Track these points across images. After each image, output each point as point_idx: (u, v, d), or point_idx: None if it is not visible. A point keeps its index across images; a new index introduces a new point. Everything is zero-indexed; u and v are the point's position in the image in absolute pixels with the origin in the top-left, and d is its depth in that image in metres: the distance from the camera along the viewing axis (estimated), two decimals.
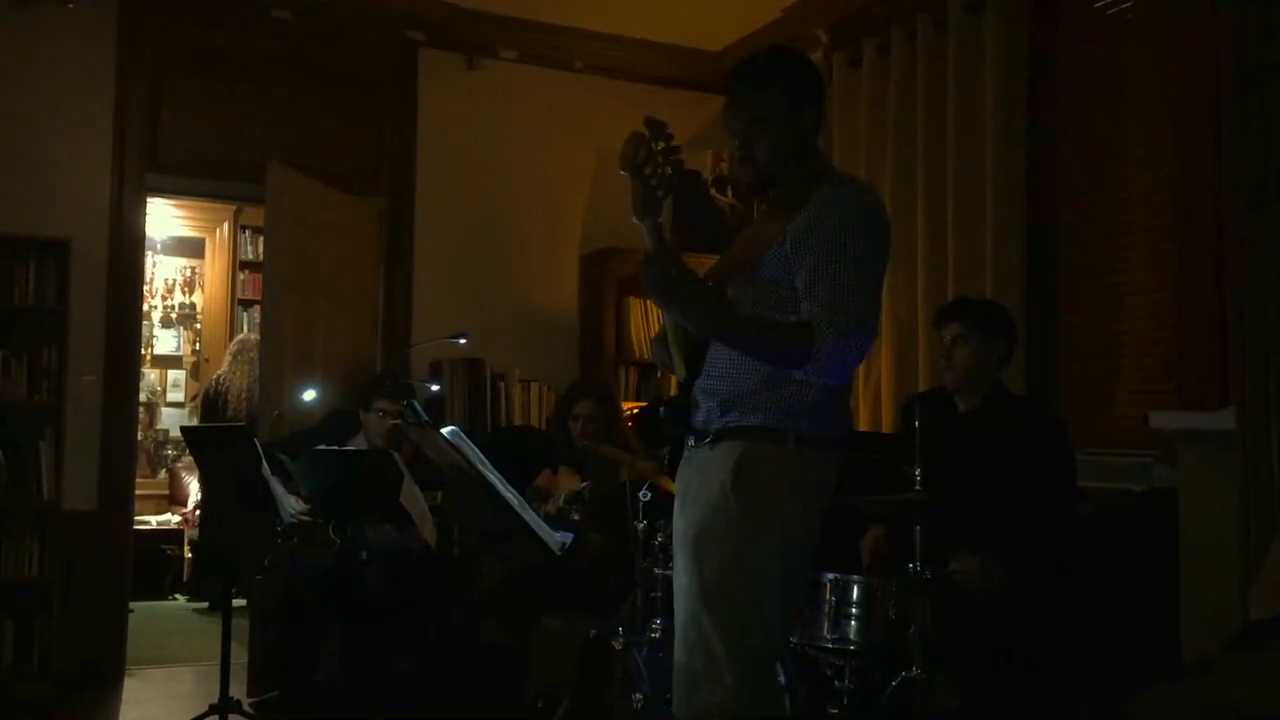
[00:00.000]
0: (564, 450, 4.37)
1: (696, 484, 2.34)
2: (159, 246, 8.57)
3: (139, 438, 6.08)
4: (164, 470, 8.39)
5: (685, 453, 2.42)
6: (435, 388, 5.32)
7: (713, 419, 2.33)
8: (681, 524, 2.37)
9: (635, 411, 4.83)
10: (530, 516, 3.19)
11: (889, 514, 3.33)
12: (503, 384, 5.56)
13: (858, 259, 2.22)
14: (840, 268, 2.20)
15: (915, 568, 2.87)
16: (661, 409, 2.54)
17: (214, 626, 4.41)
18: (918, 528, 2.88)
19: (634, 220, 2.31)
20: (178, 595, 7.26)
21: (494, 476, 3.12)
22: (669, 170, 2.26)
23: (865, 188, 2.40)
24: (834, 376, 2.25)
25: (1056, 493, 3.15)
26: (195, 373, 8.75)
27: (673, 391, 2.48)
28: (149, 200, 5.28)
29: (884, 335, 4.73)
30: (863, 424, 4.79)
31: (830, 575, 3.02)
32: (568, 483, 4.25)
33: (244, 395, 6.67)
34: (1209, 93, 3.49)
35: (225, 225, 8.43)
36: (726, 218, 5.58)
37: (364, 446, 4.48)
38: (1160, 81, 3.84)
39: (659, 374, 5.61)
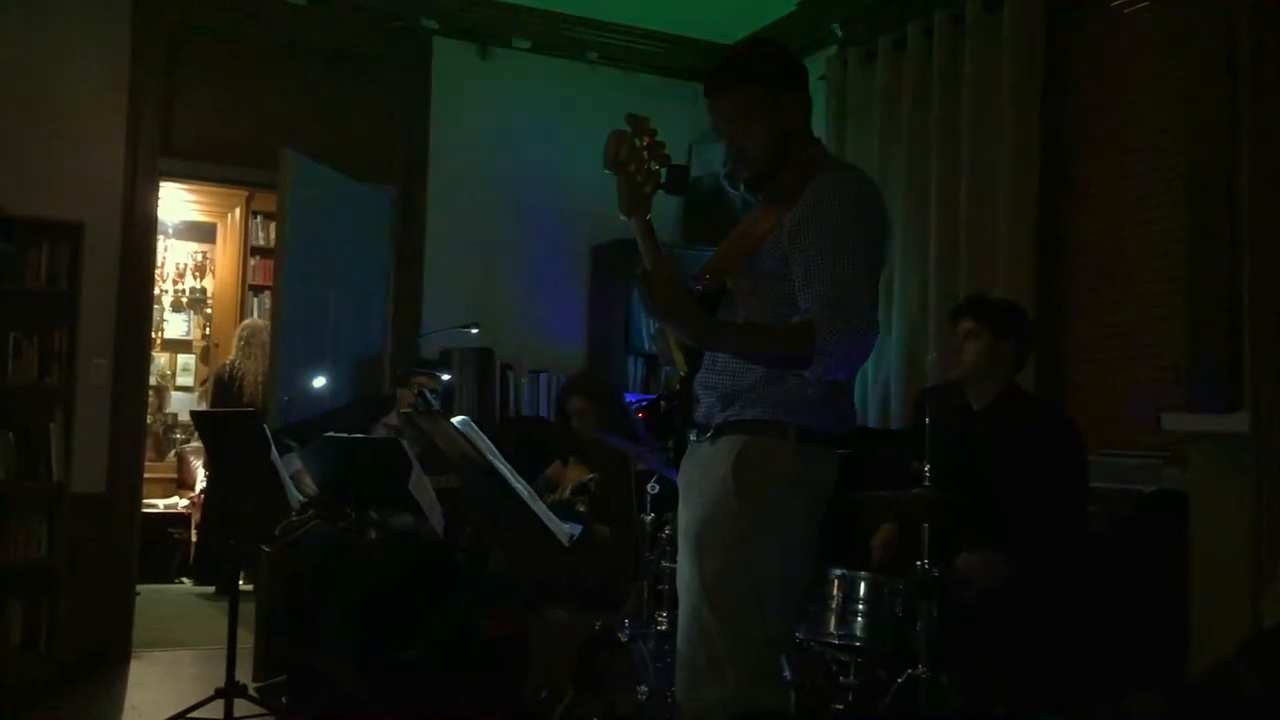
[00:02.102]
0: (574, 442, 4.36)
1: (698, 479, 2.32)
2: (171, 231, 8.59)
3: (148, 421, 6.09)
4: (172, 454, 8.41)
5: (688, 447, 2.40)
6: (446, 377, 5.33)
7: (714, 414, 2.31)
8: (684, 518, 2.36)
9: (646, 404, 4.81)
10: (539, 508, 3.19)
11: (899, 510, 3.33)
12: (512, 374, 5.56)
13: (856, 251, 2.18)
14: (838, 260, 2.16)
15: (923, 565, 2.86)
16: (663, 403, 2.53)
17: (220, 611, 4.43)
18: (925, 525, 2.87)
19: (622, 218, 2.29)
20: (184, 579, 7.28)
21: (504, 467, 3.12)
22: (654, 165, 2.23)
23: (862, 176, 2.35)
24: (841, 374, 2.21)
25: (1066, 491, 3.14)
26: (205, 357, 8.78)
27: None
28: (161, 184, 5.29)
29: (894, 332, 4.71)
30: (871, 420, 4.78)
31: (838, 571, 3.02)
32: (577, 475, 4.24)
33: (260, 380, 6.68)
34: (1224, 91, 3.46)
35: (237, 210, 8.45)
36: (738, 210, 5.56)
37: (394, 424, 4.50)
38: (1175, 80, 3.81)
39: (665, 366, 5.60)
